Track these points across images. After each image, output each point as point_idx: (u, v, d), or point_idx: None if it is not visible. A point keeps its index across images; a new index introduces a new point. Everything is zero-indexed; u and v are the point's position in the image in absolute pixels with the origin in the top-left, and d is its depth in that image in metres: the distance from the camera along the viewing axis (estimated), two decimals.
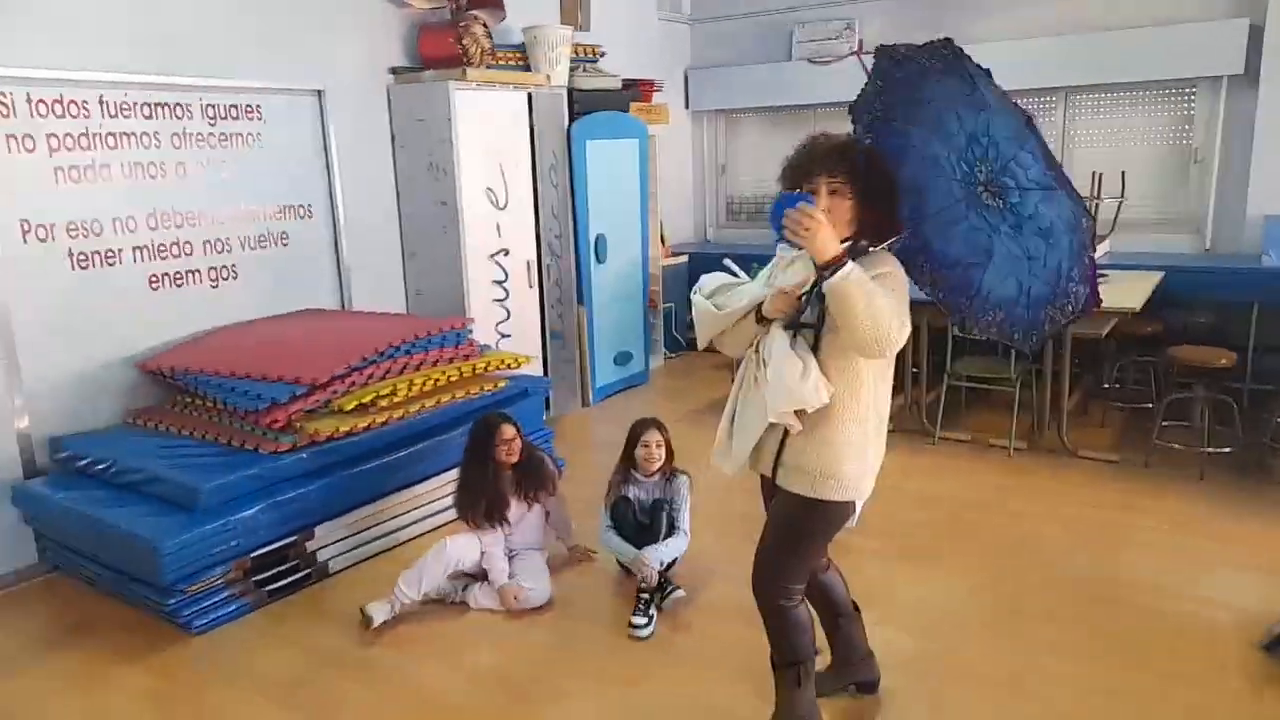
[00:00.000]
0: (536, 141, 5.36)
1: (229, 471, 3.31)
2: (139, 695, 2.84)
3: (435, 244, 5.05)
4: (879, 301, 1.96)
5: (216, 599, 3.22)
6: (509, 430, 3.40)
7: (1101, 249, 5.64)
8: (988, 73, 2.02)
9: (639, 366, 6.37)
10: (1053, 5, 6.15)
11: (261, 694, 2.82)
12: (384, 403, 3.76)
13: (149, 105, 4.00)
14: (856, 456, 2.17)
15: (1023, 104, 7.34)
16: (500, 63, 5.24)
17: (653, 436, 3.44)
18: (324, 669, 2.95)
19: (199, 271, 4.25)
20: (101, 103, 3.83)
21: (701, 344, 2.43)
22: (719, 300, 2.31)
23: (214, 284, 4.32)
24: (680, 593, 3.27)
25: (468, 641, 3.11)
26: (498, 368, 4.36)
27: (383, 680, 2.88)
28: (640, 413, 3.74)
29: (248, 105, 4.39)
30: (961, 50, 2.04)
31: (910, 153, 2.25)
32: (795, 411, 2.12)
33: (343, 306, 4.88)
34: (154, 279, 4.07)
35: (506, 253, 5.27)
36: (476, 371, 4.24)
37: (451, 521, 3.68)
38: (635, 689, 2.80)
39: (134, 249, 3.99)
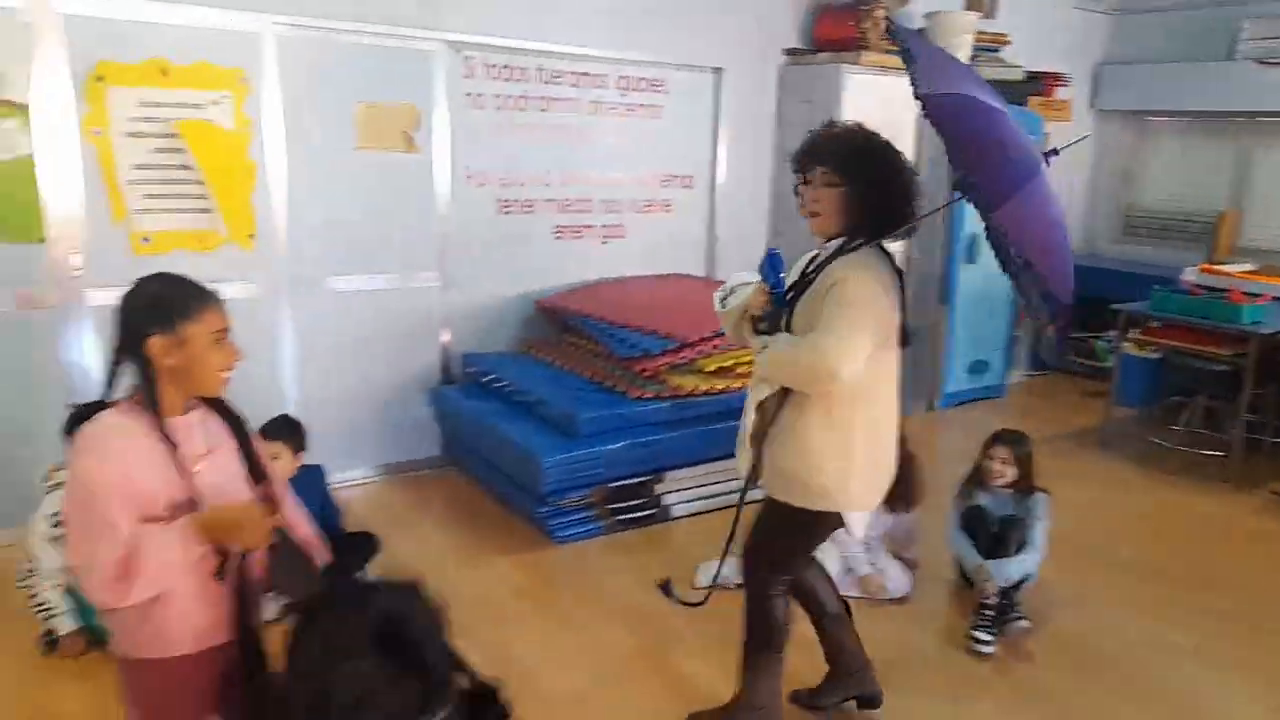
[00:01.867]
0: (921, 130, 5.20)
1: (602, 407, 3.65)
2: (509, 584, 3.25)
3: (803, 224, 5.09)
4: (783, 356, 2.05)
5: (577, 516, 3.59)
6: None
7: None
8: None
9: (995, 379, 5.98)
10: None
11: (606, 610, 3.10)
12: (743, 369, 3.90)
13: (574, 74, 4.47)
14: (834, 467, 2.11)
15: None
16: (896, 48, 5.14)
17: (998, 452, 3.25)
18: (661, 603, 3.10)
19: (593, 227, 4.71)
20: (539, 70, 4.35)
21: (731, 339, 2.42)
22: (730, 301, 2.33)
23: (604, 240, 4.76)
24: (1025, 624, 3.04)
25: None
26: None
27: (717, 631, 2.95)
28: (989, 426, 3.52)
29: (654, 79, 4.74)
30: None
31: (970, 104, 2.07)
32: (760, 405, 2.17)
33: (708, 275, 5.13)
34: (558, 229, 4.58)
35: None
36: None
37: None
38: (967, 708, 2.68)
39: (546, 201, 4.51)
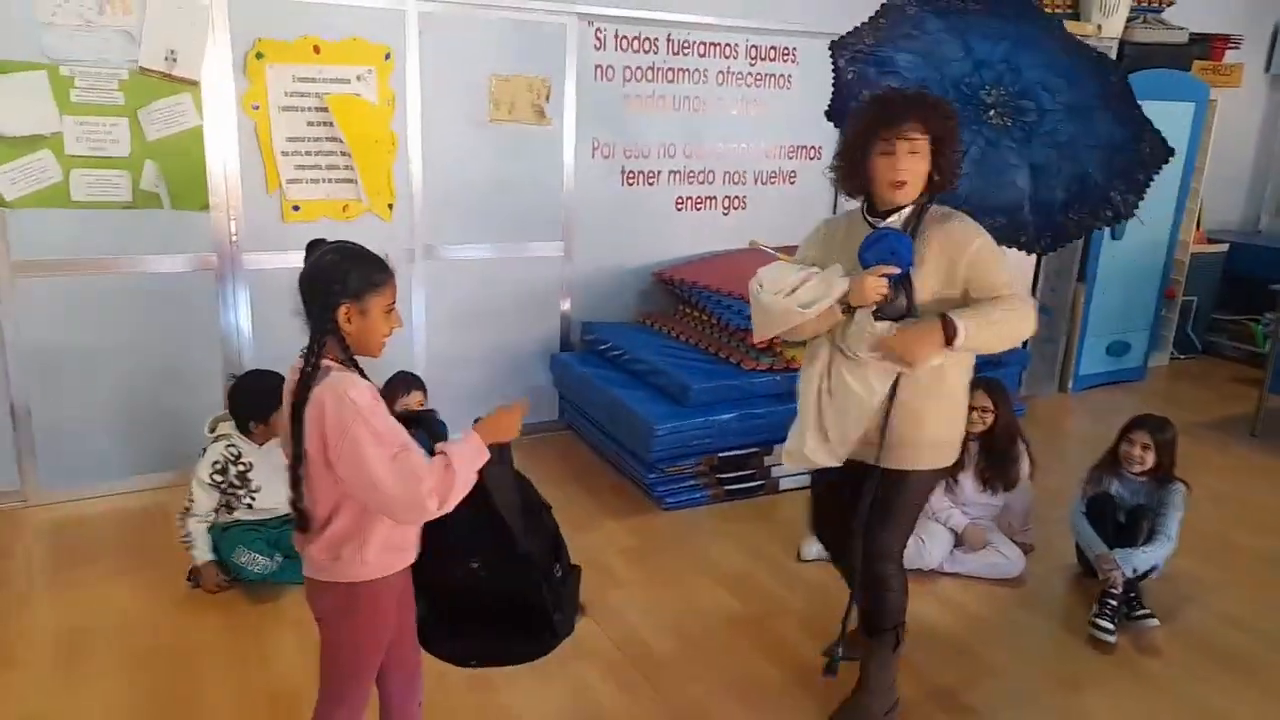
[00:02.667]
0: None
1: (714, 378, 3.71)
2: (617, 546, 3.37)
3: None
4: (999, 326, 2.06)
5: (685, 484, 3.67)
6: (979, 397, 3.28)
7: None
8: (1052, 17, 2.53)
9: (1135, 361, 5.65)
10: None
11: (712, 577, 3.18)
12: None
13: (704, 44, 4.47)
14: (960, 415, 2.26)
15: None
16: (1045, 9, 4.87)
17: (1139, 437, 3.11)
18: (764, 572, 3.22)
19: (715, 198, 4.73)
20: (669, 40, 4.38)
21: (764, 337, 2.33)
22: (804, 297, 2.15)
23: (725, 212, 4.77)
24: (1153, 623, 2.91)
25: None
26: None
27: (820, 601, 3.01)
28: (1127, 411, 3.36)
29: (785, 47, 4.68)
30: None
31: (895, 79, 2.43)
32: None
33: None
34: (679, 201, 4.63)
35: None
36: None
37: None
38: (1083, 698, 2.62)
39: (669, 173, 4.56)
